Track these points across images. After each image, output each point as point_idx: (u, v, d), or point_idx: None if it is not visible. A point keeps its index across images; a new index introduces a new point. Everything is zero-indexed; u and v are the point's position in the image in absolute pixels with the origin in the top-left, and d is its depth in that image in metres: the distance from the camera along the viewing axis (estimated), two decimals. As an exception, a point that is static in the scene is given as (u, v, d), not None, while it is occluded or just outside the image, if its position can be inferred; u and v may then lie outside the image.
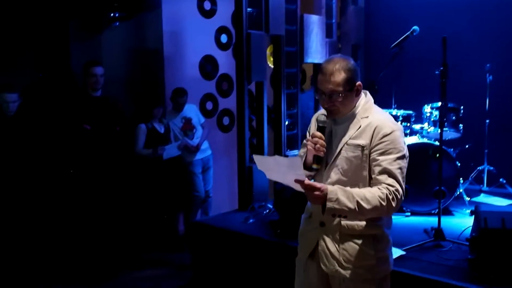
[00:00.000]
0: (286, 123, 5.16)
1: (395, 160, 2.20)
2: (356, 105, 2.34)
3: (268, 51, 5.79)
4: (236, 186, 5.01)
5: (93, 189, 4.73)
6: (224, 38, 6.37)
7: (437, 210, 3.81)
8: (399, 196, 2.16)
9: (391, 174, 2.18)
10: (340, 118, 2.34)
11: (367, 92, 2.41)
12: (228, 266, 4.15)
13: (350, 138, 2.29)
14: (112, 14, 5.25)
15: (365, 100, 2.37)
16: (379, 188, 2.16)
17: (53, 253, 4.87)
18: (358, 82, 2.30)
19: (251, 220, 4.37)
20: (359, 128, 2.29)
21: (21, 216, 4.45)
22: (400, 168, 2.21)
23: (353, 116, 2.32)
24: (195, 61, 6.12)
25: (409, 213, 4.53)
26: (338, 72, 2.23)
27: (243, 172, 4.86)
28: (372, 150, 2.24)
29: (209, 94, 6.32)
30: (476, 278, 2.98)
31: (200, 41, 6.13)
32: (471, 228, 3.51)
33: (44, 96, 4.93)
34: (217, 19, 6.24)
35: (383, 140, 2.22)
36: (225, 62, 6.38)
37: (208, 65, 6.25)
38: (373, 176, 2.23)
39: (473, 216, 3.51)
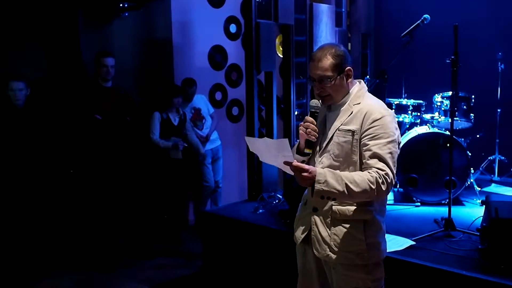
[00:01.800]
0: (296, 113, 5.15)
1: (385, 145, 2.22)
2: (350, 92, 2.37)
3: (277, 40, 5.76)
4: (246, 176, 5.02)
5: (103, 179, 4.76)
6: (233, 28, 6.35)
7: (447, 200, 3.80)
8: (389, 180, 2.18)
9: (381, 159, 2.20)
10: (333, 104, 2.38)
11: (361, 81, 2.44)
12: (238, 255, 4.17)
13: (341, 124, 2.33)
14: (121, 4, 5.25)
15: (359, 87, 2.40)
16: (369, 172, 2.18)
17: (66, 243, 4.92)
18: (348, 67, 2.33)
19: (260, 210, 4.39)
20: (351, 114, 2.32)
21: (34, 206, 4.49)
22: (391, 153, 2.22)
23: (345, 103, 2.36)
24: (204, 51, 6.12)
25: (419, 203, 4.52)
26: (326, 57, 2.29)
27: (252, 162, 4.87)
28: (362, 135, 2.27)
29: (218, 84, 6.32)
30: (487, 268, 2.97)
31: (209, 31, 6.13)
32: (481, 218, 3.50)
33: (54, 87, 4.95)
34: (226, 9, 6.22)
35: (373, 125, 2.25)
36: (234, 52, 6.37)
37: (217, 55, 6.24)
38: (364, 161, 2.25)
39: (484, 206, 3.49)
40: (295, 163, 2.16)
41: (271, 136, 4.94)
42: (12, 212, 4.35)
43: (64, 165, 4.89)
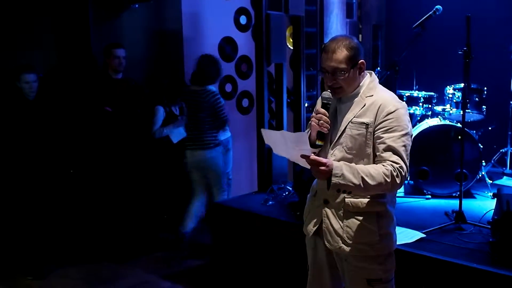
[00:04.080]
0: (306, 105, 5.13)
1: (399, 138, 2.21)
2: (361, 84, 2.36)
3: (288, 32, 5.74)
4: (256, 168, 5.02)
5: (113, 170, 4.79)
6: (243, 19, 6.33)
7: (458, 193, 3.78)
8: (403, 173, 2.18)
9: (395, 152, 2.20)
10: (344, 96, 2.37)
11: (372, 72, 2.43)
12: (247, 247, 4.19)
13: (354, 116, 2.31)
14: (131, -4, 5.26)
15: (370, 79, 2.39)
16: (383, 165, 2.18)
17: (76, 233, 4.96)
18: (361, 60, 2.32)
19: (270, 202, 4.39)
20: (364, 106, 2.31)
21: (46, 196, 4.53)
22: (405, 146, 2.22)
23: (357, 95, 2.35)
24: (214, 42, 6.11)
25: (430, 196, 4.50)
26: (340, 49, 2.27)
27: (262, 154, 4.86)
28: (376, 128, 2.26)
29: (228, 76, 6.31)
30: (498, 261, 2.95)
31: (219, 22, 6.11)
32: (493, 211, 3.48)
33: (65, 79, 4.97)
34: (236, 0, 6.19)
35: (387, 118, 2.24)
36: (244, 44, 6.35)
37: (227, 47, 6.23)
38: (377, 153, 2.25)
39: (495, 199, 3.47)
40: (313, 156, 2.15)
41: (281, 128, 4.93)
42: (24, 201, 4.39)
43: (75, 157, 4.92)
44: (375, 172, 2.15)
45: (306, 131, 2.48)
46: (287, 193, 4.57)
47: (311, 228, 2.46)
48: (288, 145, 2.23)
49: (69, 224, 4.93)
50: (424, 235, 3.42)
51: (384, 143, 2.22)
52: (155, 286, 4.24)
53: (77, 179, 4.97)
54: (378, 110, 2.26)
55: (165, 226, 5.51)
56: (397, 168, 2.16)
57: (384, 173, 2.15)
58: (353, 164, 2.20)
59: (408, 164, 2.22)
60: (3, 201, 4.44)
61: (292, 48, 5.37)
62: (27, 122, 4.36)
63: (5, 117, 4.32)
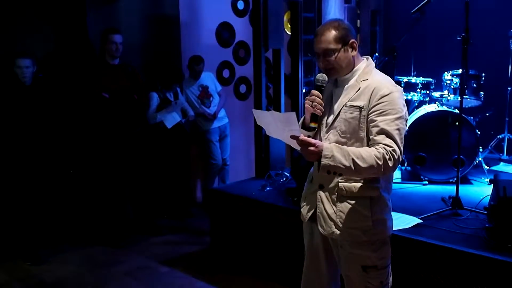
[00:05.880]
0: (304, 90, 5.12)
1: (393, 121, 2.20)
2: (357, 68, 2.36)
3: (286, 17, 5.70)
4: (253, 154, 5.02)
5: (110, 156, 4.79)
6: (241, 4, 6.29)
7: (455, 179, 3.79)
8: (396, 157, 2.16)
9: (388, 135, 2.18)
10: (339, 77, 2.37)
11: (369, 58, 2.42)
12: (245, 233, 4.21)
13: (349, 100, 2.31)
14: (127, -20, 5.21)
15: (366, 64, 2.38)
16: (376, 148, 2.17)
17: (75, 218, 4.98)
18: (352, 40, 2.32)
19: (268, 188, 4.40)
20: (358, 90, 2.31)
21: (44, 181, 4.54)
22: (398, 129, 2.21)
23: (353, 79, 2.35)
24: (211, 28, 6.08)
25: (426, 182, 4.51)
26: (328, 30, 2.29)
27: (260, 140, 4.87)
28: (370, 111, 2.25)
29: (225, 61, 6.29)
30: (494, 247, 2.97)
31: (216, 7, 6.07)
32: (489, 196, 3.50)
33: (62, 64, 4.94)
34: (233, -15, 6.16)
35: (381, 101, 2.23)
36: (242, 29, 6.32)
37: (224, 32, 6.20)
38: (371, 137, 2.24)
39: (492, 185, 3.48)
40: (302, 137, 2.15)
41: (278, 114, 4.92)
42: (22, 187, 4.39)
43: (72, 143, 4.92)
44: (366, 154, 2.14)
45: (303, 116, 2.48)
46: (284, 179, 4.58)
47: (306, 213, 2.47)
48: (279, 126, 2.23)
49: (66, 210, 4.94)
50: (421, 221, 3.44)
51: (377, 126, 2.21)
52: (154, 271, 4.27)
53: (74, 165, 4.97)
54: (372, 93, 2.25)
55: (163, 211, 5.53)
56: (390, 151, 2.15)
57: (376, 156, 2.13)
58: (344, 146, 2.19)
59: (402, 148, 2.21)
60: (1, 187, 4.44)
61: (290, 33, 5.33)
62: (23, 106, 4.34)
63: (1, 101, 4.30)
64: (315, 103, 2.30)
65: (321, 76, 2.35)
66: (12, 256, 4.49)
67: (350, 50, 2.31)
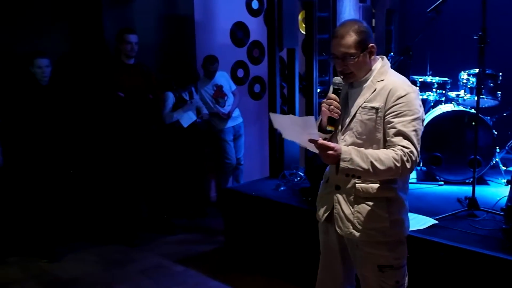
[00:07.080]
0: (318, 90, 5.11)
1: (410, 122, 2.19)
2: (372, 69, 2.34)
3: (300, 17, 5.70)
4: (267, 153, 5.02)
5: (125, 155, 4.82)
6: (255, 4, 6.29)
7: (471, 180, 3.75)
8: (413, 158, 2.16)
9: (405, 136, 2.17)
10: (356, 81, 2.35)
11: (384, 57, 2.40)
12: (259, 232, 4.21)
13: (365, 101, 2.29)
14: (143, -19, 5.24)
15: (382, 64, 2.36)
16: (393, 150, 2.16)
17: (87, 217, 5.02)
18: (371, 44, 2.29)
19: (282, 188, 4.40)
20: (374, 91, 2.29)
21: (59, 179, 4.59)
22: (415, 130, 2.19)
23: (368, 80, 2.33)
24: (226, 27, 6.09)
25: (442, 182, 4.47)
26: (349, 34, 2.25)
27: (274, 140, 4.86)
28: (386, 113, 2.24)
29: (240, 61, 6.30)
30: (511, 248, 2.93)
31: (231, 7, 6.08)
32: (506, 197, 3.45)
33: (78, 64, 4.98)
34: (248, -15, 6.16)
35: (397, 102, 2.21)
36: (256, 29, 6.32)
37: (239, 32, 6.21)
38: (388, 138, 2.23)
39: (509, 186, 3.44)
40: (321, 141, 2.14)
41: (293, 114, 4.91)
42: (38, 184, 4.44)
43: (88, 142, 4.96)
44: (384, 156, 2.13)
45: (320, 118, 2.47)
46: (298, 178, 4.57)
47: (322, 213, 2.47)
48: (296, 130, 2.22)
49: (82, 208, 4.98)
50: (436, 222, 3.41)
51: (394, 127, 2.20)
52: (168, 270, 4.29)
53: (90, 163, 5.01)
54: (388, 94, 2.24)
55: (177, 210, 5.55)
56: (407, 152, 2.14)
57: (393, 158, 2.13)
58: (362, 149, 2.18)
59: (419, 149, 2.20)
60: (18, 185, 4.49)
61: (304, 33, 5.33)
62: (40, 106, 4.39)
63: (19, 101, 4.35)
64: (332, 107, 2.29)
65: (338, 80, 2.35)
66: (29, 254, 4.54)
67: (368, 54, 2.30)
